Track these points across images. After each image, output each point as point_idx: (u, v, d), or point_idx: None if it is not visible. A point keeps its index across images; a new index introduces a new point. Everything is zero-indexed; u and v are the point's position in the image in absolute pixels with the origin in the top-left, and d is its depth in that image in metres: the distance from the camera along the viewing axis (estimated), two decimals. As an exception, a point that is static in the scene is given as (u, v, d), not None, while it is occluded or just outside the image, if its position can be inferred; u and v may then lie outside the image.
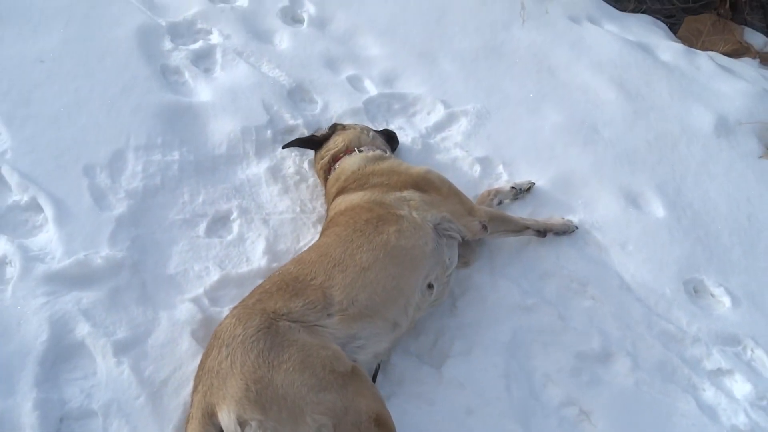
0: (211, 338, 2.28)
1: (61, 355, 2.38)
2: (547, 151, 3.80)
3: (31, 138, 3.06)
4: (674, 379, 2.88)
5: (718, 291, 3.29)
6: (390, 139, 3.53)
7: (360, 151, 3.16)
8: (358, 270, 2.49)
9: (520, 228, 3.17)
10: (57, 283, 2.55)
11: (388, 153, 3.30)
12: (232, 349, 2.14)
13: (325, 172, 3.20)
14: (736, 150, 4.14)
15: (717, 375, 2.95)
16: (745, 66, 5.19)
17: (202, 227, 2.99)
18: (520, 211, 3.42)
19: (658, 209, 3.60)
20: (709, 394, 2.86)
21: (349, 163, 3.08)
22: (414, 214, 2.78)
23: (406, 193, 2.86)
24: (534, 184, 3.52)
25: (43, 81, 3.35)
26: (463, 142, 3.75)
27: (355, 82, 3.97)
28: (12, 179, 2.88)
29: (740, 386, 2.91)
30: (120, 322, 2.51)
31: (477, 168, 3.61)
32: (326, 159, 3.21)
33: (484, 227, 3.01)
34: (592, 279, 3.19)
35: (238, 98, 3.61)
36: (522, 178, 3.60)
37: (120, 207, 2.90)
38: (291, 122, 3.61)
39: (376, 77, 4.03)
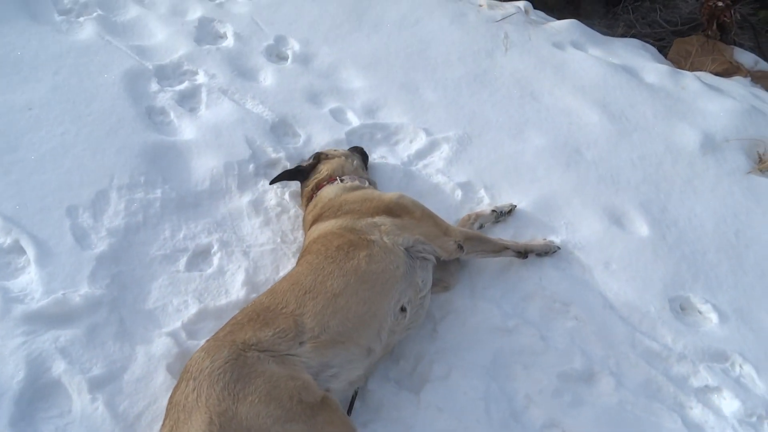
0: (182, 372, 2.30)
1: (37, 393, 2.41)
2: (529, 174, 3.83)
3: (16, 182, 3.15)
4: (659, 398, 2.84)
5: (704, 308, 3.26)
6: (360, 155, 3.60)
7: (342, 180, 3.21)
8: (329, 296, 2.51)
9: (498, 249, 3.18)
10: (35, 322, 2.60)
11: (367, 183, 3.34)
12: (199, 383, 2.15)
13: (308, 200, 3.26)
14: (723, 167, 4.14)
15: (704, 392, 2.90)
16: (735, 84, 5.22)
17: (182, 262, 3.04)
18: (502, 234, 3.44)
19: (642, 228, 3.59)
20: (696, 411, 2.82)
21: (327, 192, 3.14)
22: (385, 239, 2.81)
23: (378, 219, 2.89)
24: (515, 206, 3.54)
25: (31, 127, 3.47)
26: (445, 168, 3.79)
27: (337, 114, 4.05)
28: (-4, 223, 2.96)
29: (728, 403, 2.86)
30: (96, 359, 2.55)
31: (458, 193, 3.64)
32: (310, 187, 3.27)
33: (460, 247, 3.01)
34: (575, 299, 3.18)
35: (222, 135, 3.70)
36: (504, 201, 3.62)
37: (101, 245, 2.97)
38: (273, 156, 3.68)
39: (358, 108, 4.11)
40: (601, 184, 3.83)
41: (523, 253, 3.24)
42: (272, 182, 3.37)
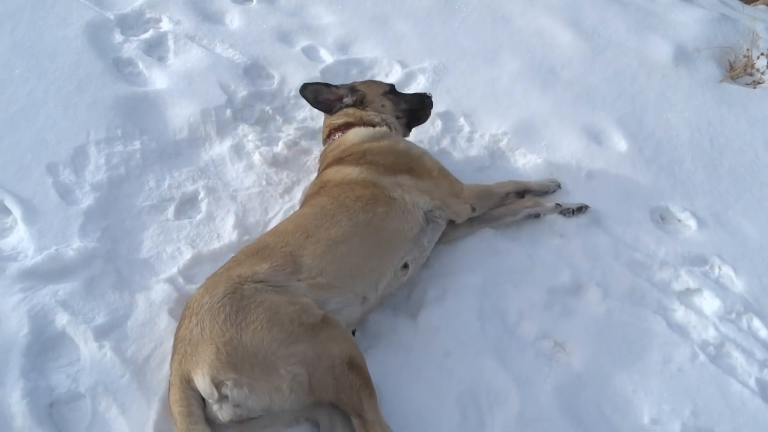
0: (183, 309, 2.37)
1: (44, 345, 2.45)
2: (507, 99, 3.85)
3: (-9, 144, 3.09)
4: (644, 303, 2.96)
5: (683, 215, 3.37)
6: (411, 113, 3.38)
7: (371, 126, 3.14)
8: (330, 243, 2.54)
9: (503, 196, 3.20)
10: (32, 278, 2.60)
11: (394, 131, 3.25)
12: (201, 317, 2.22)
13: (330, 135, 3.20)
14: (696, 77, 4.20)
15: (686, 295, 3.04)
16: (704, -6, 5.22)
17: (170, 210, 3.04)
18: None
19: (620, 143, 3.67)
20: (679, 313, 2.95)
21: (353, 136, 3.07)
22: (406, 197, 2.84)
23: (399, 179, 2.89)
24: (587, 207, 3.27)
25: (-4, 88, 3.37)
26: (423, 100, 3.78)
27: (310, 53, 3.99)
28: (-24, 186, 2.92)
29: (709, 303, 3.00)
30: (98, 309, 2.57)
31: (438, 123, 3.66)
32: (336, 125, 3.19)
33: (473, 209, 3.05)
34: (558, 218, 3.26)
35: (195, 82, 3.63)
36: (484, 127, 3.64)
37: (87, 200, 2.95)
38: (249, 100, 3.63)
39: (331, 45, 4.05)
40: (577, 103, 3.87)
41: (521, 193, 3.25)
42: (303, 89, 3.17)
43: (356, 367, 2.26)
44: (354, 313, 2.61)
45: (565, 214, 3.22)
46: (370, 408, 2.24)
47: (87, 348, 2.45)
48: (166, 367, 2.43)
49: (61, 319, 2.50)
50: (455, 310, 2.81)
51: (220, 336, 2.15)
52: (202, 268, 2.83)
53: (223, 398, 2.13)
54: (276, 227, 2.70)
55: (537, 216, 3.21)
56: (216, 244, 2.93)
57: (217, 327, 2.18)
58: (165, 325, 2.56)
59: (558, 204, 3.23)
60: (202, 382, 2.12)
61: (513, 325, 2.83)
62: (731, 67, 4.28)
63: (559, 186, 3.39)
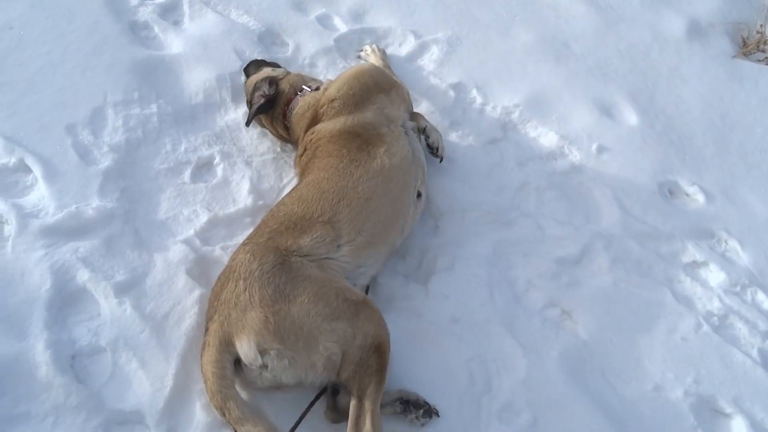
0: (225, 271, 2.39)
1: (66, 300, 2.51)
2: (520, 71, 3.85)
3: (11, 103, 3.12)
4: (651, 274, 3.02)
5: (692, 189, 3.41)
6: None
7: (308, 88, 3.12)
8: (361, 201, 2.58)
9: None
10: (53, 235, 2.66)
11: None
12: (250, 283, 2.24)
13: (281, 116, 3.14)
14: (708, 52, 4.19)
15: (692, 267, 3.10)
16: (719, -31, 5.16)
17: (187, 174, 3.08)
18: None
19: (631, 117, 3.68)
20: (684, 285, 3.01)
21: (308, 98, 3.05)
22: (392, 127, 2.88)
23: (378, 101, 2.92)
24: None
25: (15, 47, 3.38)
26: (436, 70, 3.79)
27: (324, 21, 3.98)
28: (-2, 144, 2.97)
29: (715, 275, 3.06)
30: (117, 267, 2.63)
31: (451, 93, 3.67)
32: (281, 106, 3.13)
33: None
34: (568, 189, 3.30)
35: (210, 47, 3.64)
36: (496, 99, 3.66)
37: (105, 161, 2.99)
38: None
39: (345, 14, 4.04)
40: (590, 77, 3.87)
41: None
42: (249, 123, 3.14)
43: (381, 353, 2.29)
44: (380, 265, 2.70)
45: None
46: (373, 396, 2.24)
47: (107, 304, 2.52)
48: (184, 326, 2.50)
49: (82, 275, 2.57)
50: (464, 278, 2.87)
51: (270, 305, 2.19)
52: (218, 231, 2.89)
53: (263, 366, 2.19)
54: (300, 195, 2.63)
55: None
56: (231, 208, 2.97)
57: (268, 296, 2.21)
58: (182, 284, 2.62)
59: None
60: (247, 348, 2.16)
61: (521, 294, 2.89)
62: (744, 44, 4.26)
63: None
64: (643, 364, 2.70)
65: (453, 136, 3.44)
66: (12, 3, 3.61)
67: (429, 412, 2.42)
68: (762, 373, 2.69)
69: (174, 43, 3.67)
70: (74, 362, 2.37)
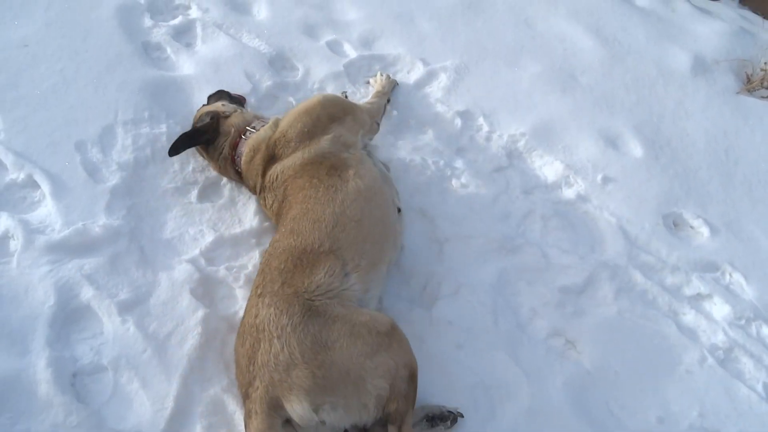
0: (250, 331, 2.28)
1: (69, 317, 2.51)
2: (526, 101, 3.89)
3: (22, 119, 3.15)
4: (655, 306, 3.01)
5: (696, 222, 3.41)
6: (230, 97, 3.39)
7: (253, 129, 3.05)
8: (354, 224, 2.56)
9: (383, 106, 3.52)
10: (59, 252, 2.66)
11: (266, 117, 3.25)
12: (285, 341, 2.16)
13: (230, 161, 3.05)
14: (713, 88, 4.24)
15: (696, 299, 3.08)
16: (723, 6, 5.27)
17: (194, 194, 3.09)
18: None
19: (636, 149, 3.71)
20: (689, 317, 3.00)
21: (257, 137, 2.97)
22: (351, 151, 2.89)
23: (333, 132, 2.90)
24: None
25: (29, 64, 3.43)
26: (444, 98, 3.83)
27: (334, 47, 4.04)
28: (7, 159, 2.97)
29: (719, 308, 3.04)
30: (122, 285, 2.63)
31: (458, 121, 3.70)
32: (226, 149, 3.04)
33: (378, 124, 3.31)
34: (573, 218, 3.31)
35: (221, 69, 3.69)
36: (503, 128, 3.69)
37: (113, 179, 3.01)
38: (273, 89, 3.69)
39: (355, 40, 4.09)
40: (596, 108, 3.91)
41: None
42: (172, 153, 3.01)
43: (414, 378, 2.29)
44: (382, 285, 2.68)
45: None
46: (410, 420, 2.24)
47: (110, 322, 2.51)
48: (186, 346, 2.49)
49: (86, 292, 2.56)
50: (469, 304, 2.87)
51: (313, 359, 2.13)
52: (223, 251, 2.89)
53: (320, 422, 2.14)
54: (289, 229, 2.57)
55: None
56: (237, 229, 2.98)
57: (307, 349, 2.15)
58: (186, 304, 2.61)
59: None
60: (300, 409, 2.10)
61: (525, 322, 2.88)
62: (748, 80, 4.31)
63: (397, 83, 3.78)
64: (648, 395, 2.68)
65: (459, 163, 3.46)
66: (28, 21, 3.67)
67: (455, 419, 2.44)
68: (767, 408, 2.66)
69: (186, 65, 3.72)
70: (75, 381, 2.35)
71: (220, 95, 3.36)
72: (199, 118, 3.16)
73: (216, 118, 3.09)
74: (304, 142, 2.86)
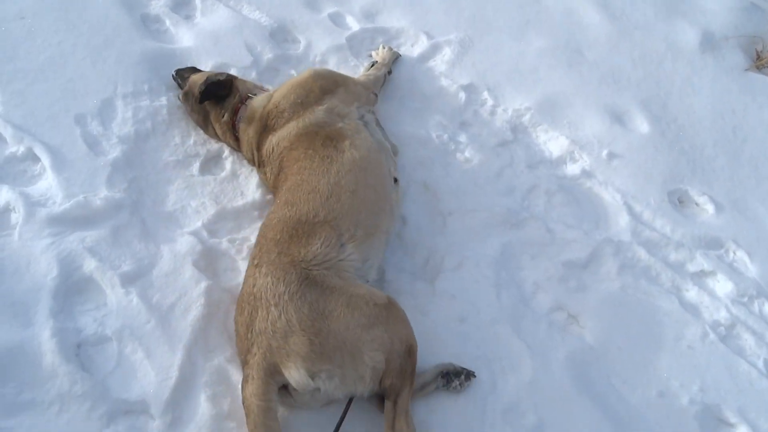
0: (248, 299, 2.30)
1: (72, 289, 2.50)
2: (532, 75, 3.84)
3: (21, 91, 3.11)
4: (658, 282, 3.01)
5: (701, 199, 3.39)
6: None
7: (253, 95, 3.08)
8: (349, 194, 2.56)
9: (384, 76, 3.51)
10: (60, 224, 2.65)
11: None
12: (283, 308, 2.18)
13: (230, 125, 3.06)
14: (722, 64, 4.18)
15: (700, 276, 3.08)
16: (733, -19, 5.16)
17: (195, 166, 3.07)
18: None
19: (642, 125, 3.67)
20: (691, 293, 2.99)
21: (255, 104, 3.00)
22: (346, 121, 2.88)
23: (326, 104, 2.92)
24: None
25: (26, 36, 3.37)
26: (448, 71, 3.78)
27: (336, 19, 3.98)
28: (6, 132, 2.94)
29: (722, 285, 3.04)
30: (124, 257, 2.62)
31: (462, 95, 3.66)
32: (228, 113, 3.06)
33: (376, 96, 3.28)
34: (578, 194, 3.29)
35: (221, 42, 3.64)
36: (507, 102, 3.65)
37: (114, 152, 2.98)
38: (275, 62, 3.64)
39: (357, 13, 4.03)
40: (602, 84, 3.86)
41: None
42: (203, 99, 3.01)
43: (413, 353, 2.30)
44: (381, 254, 2.68)
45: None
46: (407, 395, 2.25)
47: (114, 294, 2.51)
48: (190, 317, 2.50)
49: (89, 264, 2.56)
50: (472, 278, 2.87)
51: (310, 326, 2.15)
52: (226, 223, 2.88)
53: (316, 389, 2.16)
54: (284, 200, 2.58)
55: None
56: (239, 201, 2.96)
57: (305, 317, 2.16)
58: (189, 276, 2.61)
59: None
60: (297, 375, 2.12)
61: (528, 296, 2.88)
62: (758, 57, 4.25)
63: (399, 54, 3.73)
64: (649, 370, 2.69)
65: (463, 137, 3.43)
66: (24, -8, 3.62)
67: (468, 375, 2.49)
68: (767, 384, 2.67)
69: (185, 37, 3.67)
70: (80, 351, 2.36)
71: (193, 71, 3.29)
72: (207, 79, 3.05)
73: (230, 77, 3.11)
74: (297, 112, 2.88)
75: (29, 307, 2.40)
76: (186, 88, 3.19)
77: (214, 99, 3.06)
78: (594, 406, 2.51)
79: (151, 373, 2.32)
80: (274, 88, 3.15)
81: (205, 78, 3.07)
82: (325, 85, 3.00)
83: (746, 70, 4.17)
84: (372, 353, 2.18)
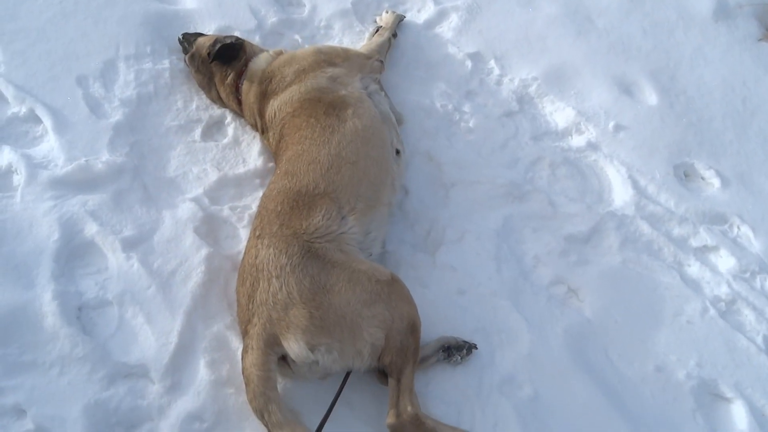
0: (249, 270, 2.29)
1: (74, 252, 2.52)
2: (540, 44, 3.77)
3: (22, 51, 3.08)
4: (660, 257, 3.00)
5: (708, 173, 3.35)
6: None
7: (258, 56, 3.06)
8: (349, 166, 2.54)
9: (388, 41, 3.45)
10: (62, 187, 2.65)
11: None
12: (284, 280, 2.19)
13: (233, 88, 3.03)
14: (735, 34, 4.08)
15: (702, 251, 3.06)
16: (751, -53, 5.01)
17: (197, 132, 3.06)
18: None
19: (651, 96, 3.61)
20: (693, 268, 2.99)
21: (258, 64, 2.99)
22: (350, 89, 2.84)
23: (329, 71, 2.90)
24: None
25: (28, -5, 3.33)
26: (455, 39, 3.71)
27: (342, -18, 3.89)
28: (8, 92, 2.93)
29: (725, 261, 3.03)
30: (126, 222, 2.63)
31: (468, 63, 3.60)
32: (232, 76, 3.03)
33: (381, 62, 3.24)
34: (583, 166, 3.26)
35: (224, 3, 3.57)
36: (514, 72, 3.59)
37: (116, 115, 2.96)
38: (279, 26, 3.58)
39: (364, -24, 3.94)
40: (611, 53, 3.79)
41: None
42: (213, 59, 2.99)
43: (415, 331, 2.31)
44: (385, 227, 2.68)
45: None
46: (411, 373, 2.26)
47: (115, 258, 2.52)
48: (191, 283, 2.51)
49: (90, 228, 2.57)
50: (473, 250, 2.86)
51: (311, 299, 2.16)
52: (227, 190, 2.88)
53: (314, 362, 2.17)
54: (286, 170, 2.57)
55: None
56: (241, 169, 2.95)
57: (306, 290, 2.17)
58: (190, 242, 2.62)
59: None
60: (297, 347, 2.13)
61: (529, 269, 2.88)
62: (773, 26, 4.15)
63: (404, 16, 3.68)
64: (647, 345, 2.70)
65: (468, 107, 3.38)
66: (26, -51, 3.54)
67: (470, 348, 2.51)
68: (765, 360, 2.68)
69: (189, -2, 3.61)
70: (81, 314, 2.39)
71: (198, 36, 3.25)
72: (216, 40, 3.02)
73: (241, 41, 3.07)
74: (298, 77, 2.86)
75: (31, 270, 2.42)
76: (192, 50, 3.15)
77: (223, 61, 3.02)
78: (590, 379, 2.53)
79: (151, 338, 2.35)
80: (278, 48, 3.18)
81: (214, 40, 3.03)
82: (327, 59, 2.98)
83: (759, 40, 4.07)
84: (372, 329, 2.19)
